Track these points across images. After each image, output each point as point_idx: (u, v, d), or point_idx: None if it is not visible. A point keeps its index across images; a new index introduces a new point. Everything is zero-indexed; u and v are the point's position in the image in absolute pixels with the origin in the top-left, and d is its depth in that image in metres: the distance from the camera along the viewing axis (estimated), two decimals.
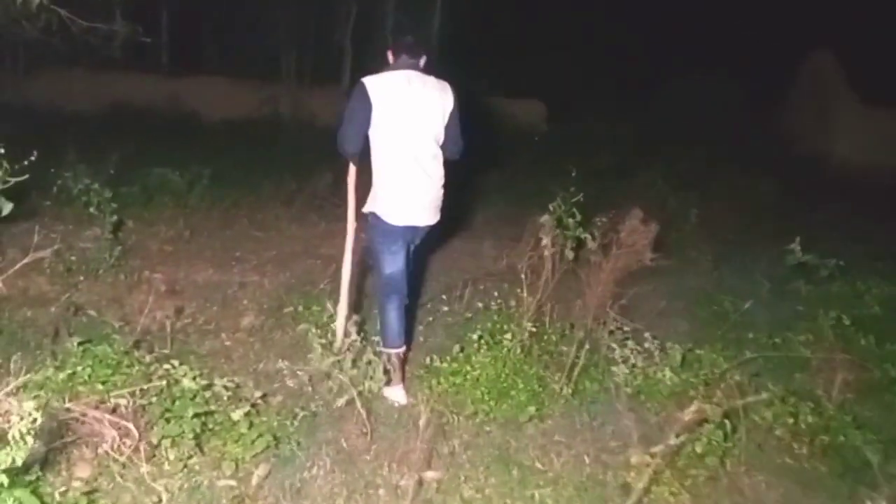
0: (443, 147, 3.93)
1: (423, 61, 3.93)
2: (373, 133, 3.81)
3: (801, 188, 9.46)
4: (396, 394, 3.91)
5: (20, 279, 5.17)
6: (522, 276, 4.27)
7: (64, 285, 5.29)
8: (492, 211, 8.54)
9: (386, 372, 3.84)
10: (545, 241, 5.72)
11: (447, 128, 3.91)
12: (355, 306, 4.70)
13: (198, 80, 14.00)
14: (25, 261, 3.56)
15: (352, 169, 4.09)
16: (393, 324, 3.95)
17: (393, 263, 3.95)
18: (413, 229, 3.95)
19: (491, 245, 7.14)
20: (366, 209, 4.00)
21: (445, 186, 3.98)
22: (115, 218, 6.01)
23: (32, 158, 4.71)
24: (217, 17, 14.84)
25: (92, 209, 5.98)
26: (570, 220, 5.79)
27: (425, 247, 4.70)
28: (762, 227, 7.50)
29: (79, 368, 3.61)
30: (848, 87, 11.57)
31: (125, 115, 12.68)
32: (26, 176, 4.52)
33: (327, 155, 10.41)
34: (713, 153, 10.93)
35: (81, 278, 5.46)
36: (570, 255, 5.78)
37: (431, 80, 3.87)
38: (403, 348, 4.00)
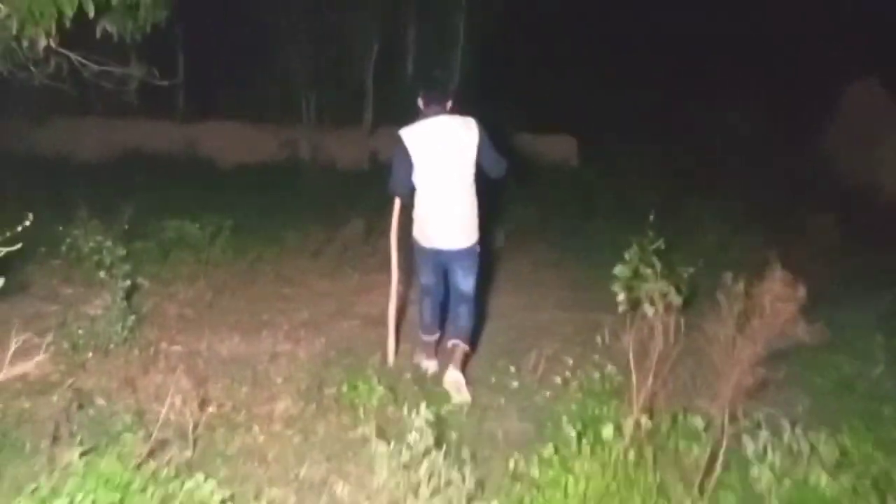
0: (486, 170, 4.45)
1: (449, 103, 4.43)
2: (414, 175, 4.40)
3: (862, 225, 8.54)
4: (431, 364, 4.69)
5: (19, 359, 4.37)
6: (630, 354, 3.37)
7: (70, 365, 4.46)
8: (536, 256, 7.69)
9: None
10: (621, 296, 4.94)
11: (481, 155, 4.37)
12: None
13: (214, 125, 13.30)
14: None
15: (395, 212, 4.63)
16: (426, 315, 4.70)
17: (426, 276, 4.62)
18: (442, 252, 4.47)
19: (546, 298, 6.29)
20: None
21: (475, 215, 4.46)
22: (127, 282, 5.21)
23: (27, 223, 3.95)
24: (233, 60, 14.20)
25: (102, 273, 5.19)
26: (649, 271, 4.97)
27: (474, 297, 4.61)
28: (847, 271, 6.64)
29: (79, 496, 2.77)
30: None
31: (138, 164, 11.95)
32: (19, 245, 3.74)
33: (354, 200, 9.70)
34: (759, 187, 10.10)
35: (90, 355, 4.62)
36: (649, 311, 4.95)
37: (457, 121, 4.37)
38: (437, 335, 4.74)
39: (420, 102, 4.44)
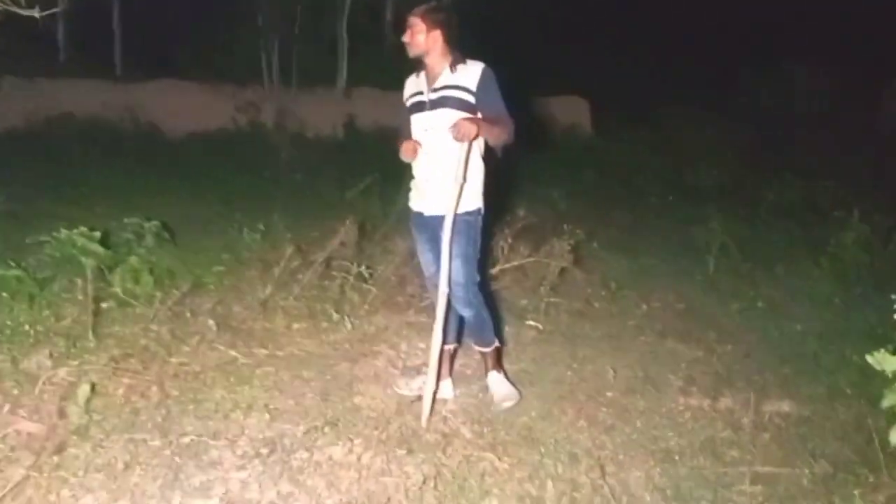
0: None
1: None
2: None
3: None
4: (445, 389, 3.04)
5: None
6: None
7: None
8: (603, 267, 4.88)
9: None
10: None
11: None
12: None
13: (159, 85, 10.12)
14: None
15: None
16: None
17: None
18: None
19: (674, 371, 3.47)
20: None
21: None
22: None
23: None
24: (181, 9, 10.93)
25: None
26: None
27: None
28: None
29: None
30: None
31: (64, 132, 8.83)
32: None
33: (335, 182, 6.73)
34: (844, 166, 7.43)
35: None
36: None
37: None
38: (452, 346, 3.12)
39: (450, 39, 2.89)
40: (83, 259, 3.96)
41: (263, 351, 3.49)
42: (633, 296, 4.44)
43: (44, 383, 2.97)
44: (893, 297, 2.47)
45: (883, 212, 5.38)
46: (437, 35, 2.84)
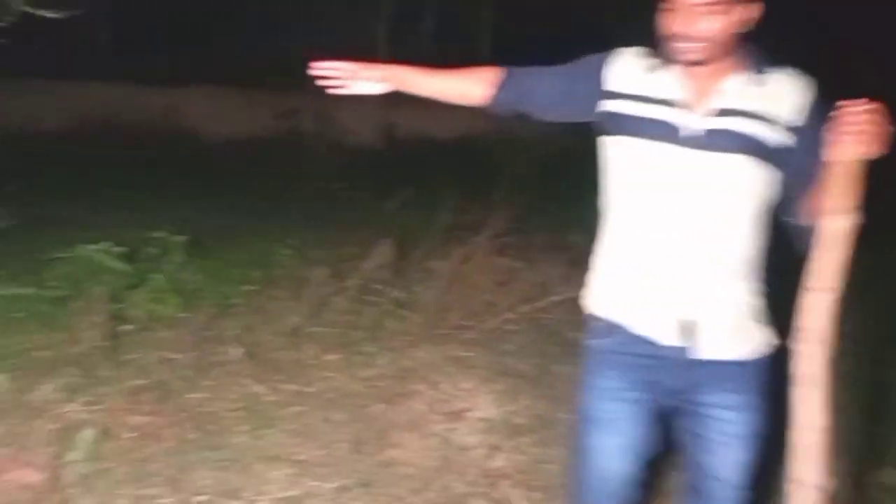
0: None
1: None
2: None
3: None
4: None
5: None
6: None
7: None
8: None
9: None
10: None
11: None
12: None
13: (199, 90, 9.93)
14: None
15: None
16: None
17: None
18: None
19: None
20: None
21: None
22: None
23: None
24: (222, 13, 10.76)
25: None
26: None
27: None
28: None
29: None
30: None
31: (99, 137, 8.66)
32: None
33: (373, 196, 6.35)
34: None
35: None
36: None
37: None
38: None
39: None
40: (103, 278, 3.69)
41: (291, 387, 3.14)
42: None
43: (50, 420, 2.67)
44: None
45: None
46: (740, 16, 1.36)
